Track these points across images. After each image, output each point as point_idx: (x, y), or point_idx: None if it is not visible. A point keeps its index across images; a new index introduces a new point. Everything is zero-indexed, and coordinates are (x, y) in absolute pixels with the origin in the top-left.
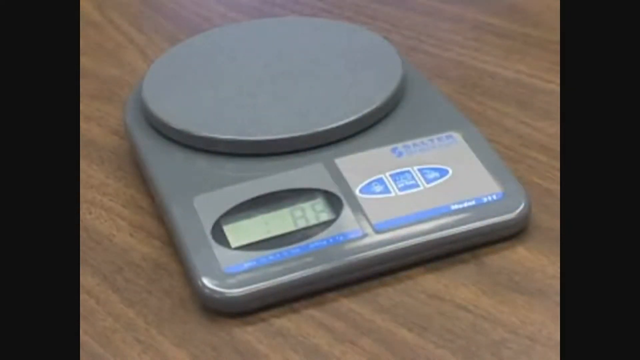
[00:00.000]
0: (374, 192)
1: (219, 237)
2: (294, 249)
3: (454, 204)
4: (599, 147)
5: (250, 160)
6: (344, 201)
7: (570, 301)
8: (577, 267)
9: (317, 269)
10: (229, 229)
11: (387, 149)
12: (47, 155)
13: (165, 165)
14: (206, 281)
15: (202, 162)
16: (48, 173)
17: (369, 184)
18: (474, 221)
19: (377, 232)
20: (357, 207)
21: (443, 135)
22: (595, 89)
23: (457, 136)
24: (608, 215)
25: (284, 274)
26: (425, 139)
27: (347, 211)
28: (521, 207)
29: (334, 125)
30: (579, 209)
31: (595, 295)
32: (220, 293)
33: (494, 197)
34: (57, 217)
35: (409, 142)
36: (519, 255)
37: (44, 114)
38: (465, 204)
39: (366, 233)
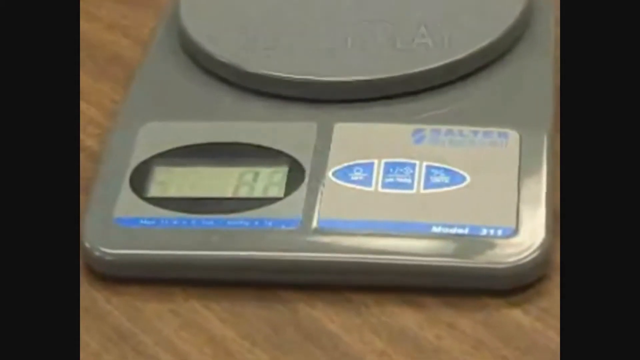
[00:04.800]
0: (349, 180)
1: (138, 180)
2: (208, 220)
3: (437, 225)
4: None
5: (248, 96)
6: (306, 180)
7: None
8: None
9: (213, 253)
10: (156, 173)
11: (407, 128)
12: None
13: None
14: (86, 229)
15: (192, 84)
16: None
17: (351, 167)
18: (448, 257)
19: (315, 231)
20: (315, 192)
21: (495, 131)
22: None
23: (513, 136)
24: None
25: (170, 248)
26: (466, 129)
27: (300, 193)
28: (521, 256)
29: (351, 78)
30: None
31: None
32: (92, 250)
33: (499, 232)
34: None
35: (442, 127)
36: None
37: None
38: (454, 230)
39: (303, 228)
